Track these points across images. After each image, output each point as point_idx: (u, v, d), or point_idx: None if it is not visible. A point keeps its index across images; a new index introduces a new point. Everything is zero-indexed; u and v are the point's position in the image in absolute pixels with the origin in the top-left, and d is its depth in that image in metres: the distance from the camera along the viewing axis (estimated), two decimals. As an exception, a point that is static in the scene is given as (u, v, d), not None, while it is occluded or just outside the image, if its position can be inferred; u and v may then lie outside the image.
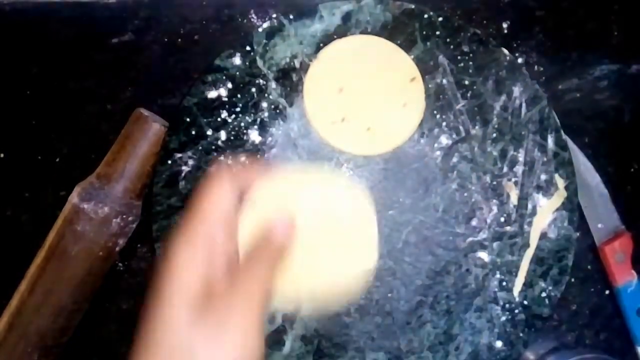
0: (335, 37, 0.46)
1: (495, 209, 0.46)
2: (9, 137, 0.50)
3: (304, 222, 0.35)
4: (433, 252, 0.46)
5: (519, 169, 0.46)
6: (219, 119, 0.47)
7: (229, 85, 0.47)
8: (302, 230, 0.35)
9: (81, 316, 0.47)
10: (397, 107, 0.46)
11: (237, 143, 0.47)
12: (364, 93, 0.46)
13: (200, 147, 0.47)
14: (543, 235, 0.46)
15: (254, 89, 0.47)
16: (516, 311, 0.46)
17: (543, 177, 0.46)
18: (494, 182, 0.46)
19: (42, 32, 0.49)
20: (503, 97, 0.46)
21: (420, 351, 0.46)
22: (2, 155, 0.50)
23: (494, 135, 0.46)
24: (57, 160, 0.49)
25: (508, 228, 0.46)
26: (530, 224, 0.46)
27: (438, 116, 0.47)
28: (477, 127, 0.46)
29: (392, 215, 0.46)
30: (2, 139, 0.50)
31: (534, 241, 0.46)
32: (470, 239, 0.46)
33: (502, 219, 0.46)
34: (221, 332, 0.30)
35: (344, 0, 0.46)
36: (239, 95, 0.47)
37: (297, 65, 0.47)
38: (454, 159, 0.46)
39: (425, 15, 0.46)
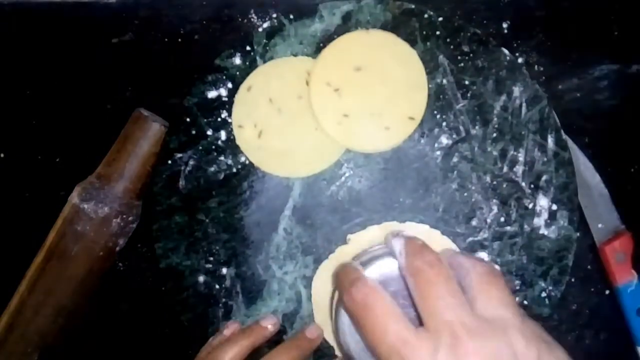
0: (335, 37, 0.46)
1: (495, 209, 0.46)
2: (9, 137, 0.50)
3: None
4: (433, 252, 0.46)
5: (519, 169, 0.46)
6: (219, 119, 0.47)
7: (229, 85, 0.47)
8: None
9: (81, 316, 0.47)
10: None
11: (237, 143, 0.47)
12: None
13: (200, 147, 0.47)
14: (543, 235, 0.46)
15: (254, 89, 0.47)
16: (516, 311, 0.46)
17: (543, 177, 0.46)
18: (494, 182, 0.46)
19: (42, 32, 0.49)
20: (503, 97, 0.46)
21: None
22: (2, 155, 0.50)
23: (494, 135, 0.46)
24: (57, 160, 0.50)
25: (508, 228, 0.46)
26: (530, 223, 0.46)
27: (438, 116, 0.47)
28: (477, 127, 0.46)
29: (392, 215, 0.46)
30: (2, 139, 0.50)
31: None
32: (470, 239, 0.46)
33: (502, 219, 0.46)
34: None
35: (344, 0, 0.46)
36: (239, 95, 0.47)
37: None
38: (454, 159, 0.47)
39: (425, 15, 0.46)
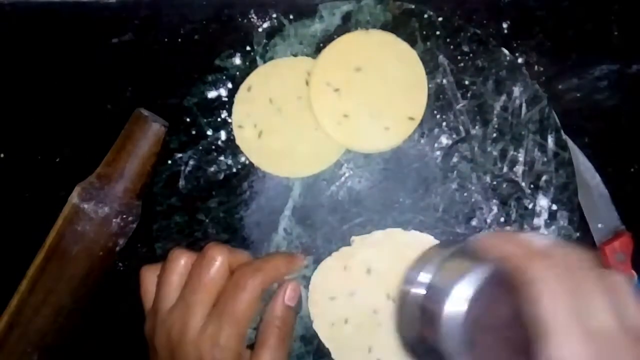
0: (335, 37, 0.46)
1: (495, 209, 0.46)
2: (9, 137, 0.50)
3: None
4: (433, 252, 0.46)
5: (519, 169, 0.46)
6: (219, 119, 0.47)
7: (229, 85, 0.47)
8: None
9: (81, 316, 0.47)
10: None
11: (237, 143, 0.47)
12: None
13: (200, 147, 0.47)
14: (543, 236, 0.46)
15: (254, 89, 0.47)
16: (516, 311, 0.46)
17: (543, 177, 0.46)
18: (494, 182, 0.46)
19: (42, 32, 0.49)
20: (503, 97, 0.46)
21: (420, 351, 0.46)
22: (2, 155, 0.50)
23: (494, 135, 0.46)
24: (57, 160, 0.50)
25: (508, 228, 0.46)
26: (530, 223, 0.46)
27: (438, 116, 0.47)
28: (477, 127, 0.46)
29: (392, 215, 0.46)
30: (2, 139, 0.50)
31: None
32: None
33: (502, 219, 0.46)
34: None
35: (344, 0, 0.46)
36: (239, 95, 0.47)
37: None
38: (454, 159, 0.47)
39: (425, 15, 0.46)
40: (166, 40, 0.49)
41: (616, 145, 0.49)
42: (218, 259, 0.37)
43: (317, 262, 0.46)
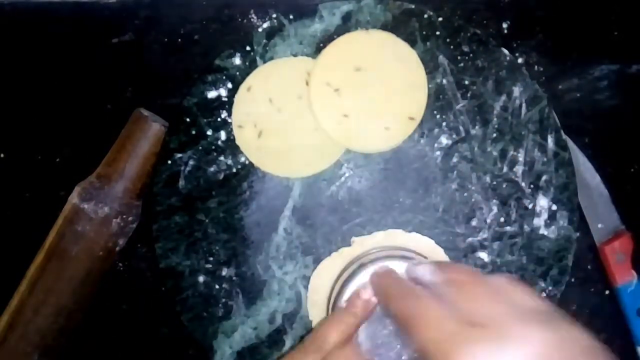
0: (335, 37, 0.46)
1: (495, 209, 0.46)
2: (9, 137, 0.50)
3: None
4: (433, 252, 0.46)
5: (519, 169, 0.46)
6: (219, 119, 0.47)
7: (229, 85, 0.47)
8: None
9: (81, 316, 0.47)
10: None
11: (237, 143, 0.47)
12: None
13: (200, 147, 0.47)
14: (543, 236, 0.46)
15: (254, 89, 0.47)
16: (516, 311, 0.46)
17: (543, 177, 0.46)
18: (494, 182, 0.46)
19: (42, 32, 0.49)
20: (503, 97, 0.46)
21: (420, 351, 0.46)
22: (2, 155, 0.50)
23: (494, 135, 0.46)
24: (57, 160, 0.50)
25: (508, 228, 0.46)
26: (530, 223, 0.46)
27: (438, 116, 0.47)
28: (477, 127, 0.46)
29: (392, 215, 0.46)
30: (2, 139, 0.50)
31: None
32: (470, 239, 0.46)
33: (502, 219, 0.46)
34: None
35: (344, 0, 0.46)
36: (239, 95, 0.47)
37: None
38: (454, 159, 0.47)
39: (425, 15, 0.46)
40: (166, 40, 0.49)
41: (616, 145, 0.49)
42: None
43: (317, 262, 0.46)
